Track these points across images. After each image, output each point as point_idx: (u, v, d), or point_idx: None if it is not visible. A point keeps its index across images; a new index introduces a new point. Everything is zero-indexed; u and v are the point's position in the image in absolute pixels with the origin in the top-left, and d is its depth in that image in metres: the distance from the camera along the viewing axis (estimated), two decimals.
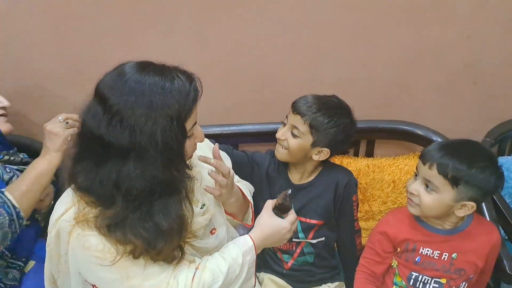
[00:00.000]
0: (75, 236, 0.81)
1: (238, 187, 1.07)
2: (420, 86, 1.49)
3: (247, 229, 1.03)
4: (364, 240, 1.28)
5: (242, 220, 1.11)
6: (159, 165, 0.77)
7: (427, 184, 1.02)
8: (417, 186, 1.04)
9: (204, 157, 0.94)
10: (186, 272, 0.85)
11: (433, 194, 1.01)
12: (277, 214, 0.98)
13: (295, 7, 1.35)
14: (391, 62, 1.45)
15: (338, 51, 1.42)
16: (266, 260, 1.29)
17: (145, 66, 0.80)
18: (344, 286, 1.27)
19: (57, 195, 1.20)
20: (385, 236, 1.13)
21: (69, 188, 0.85)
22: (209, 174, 0.94)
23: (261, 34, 1.38)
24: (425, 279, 1.10)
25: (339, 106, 1.16)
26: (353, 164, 1.45)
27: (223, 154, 1.13)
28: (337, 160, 1.46)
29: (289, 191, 0.99)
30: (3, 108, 1.22)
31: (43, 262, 1.12)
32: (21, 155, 1.25)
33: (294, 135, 1.14)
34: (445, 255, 1.08)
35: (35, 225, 1.22)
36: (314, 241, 1.23)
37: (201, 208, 0.95)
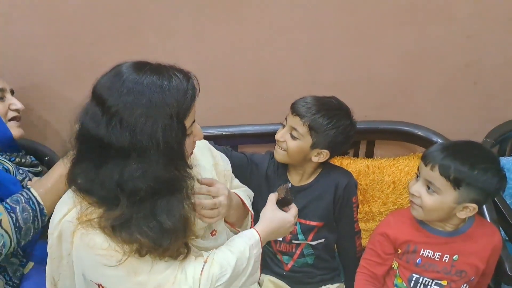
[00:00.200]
0: (79, 236, 0.80)
1: (238, 195, 1.05)
2: (420, 87, 1.48)
3: None
4: (364, 241, 1.28)
5: (240, 227, 1.09)
6: (161, 164, 0.77)
7: (429, 186, 1.01)
8: (418, 188, 1.03)
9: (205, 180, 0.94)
10: (193, 265, 0.84)
11: (434, 196, 1.01)
12: (279, 208, 0.99)
13: (294, 8, 1.34)
14: (391, 63, 1.44)
15: (338, 52, 1.41)
16: (266, 261, 1.28)
17: (141, 66, 0.79)
18: (344, 287, 1.26)
19: None
20: (385, 238, 1.12)
21: (70, 189, 0.84)
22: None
23: (261, 35, 1.37)
24: (426, 281, 1.09)
25: (339, 107, 1.15)
26: (353, 165, 1.44)
27: (223, 157, 1.12)
28: (337, 161, 1.45)
29: (289, 185, 1.01)
30: (17, 110, 1.22)
31: (42, 263, 1.10)
32: (28, 158, 1.27)
33: (293, 137, 1.13)
34: (446, 257, 1.07)
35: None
36: (313, 243, 1.22)
37: None
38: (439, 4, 1.36)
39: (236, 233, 1.01)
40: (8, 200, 1.00)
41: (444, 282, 1.08)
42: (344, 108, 1.16)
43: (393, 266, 1.13)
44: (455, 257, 1.06)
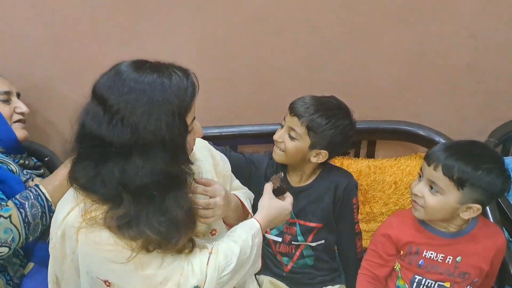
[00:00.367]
0: (84, 233, 0.80)
1: (237, 197, 1.05)
2: (422, 86, 1.47)
3: None
4: (366, 242, 1.27)
5: None
6: (166, 160, 0.78)
7: (432, 186, 0.99)
8: (421, 188, 1.02)
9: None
10: (199, 257, 0.85)
11: (437, 196, 0.99)
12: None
13: (294, 7, 1.33)
14: (392, 62, 1.42)
15: (338, 51, 1.40)
16: (265, 262, 1.26)
17: (141, 64, 0.80)
18: None
19: None
20: (388, 239, 1.10)
21: (71, 188, 0.84)
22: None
23: (259, 35, 1.36)
24: (428, 282, 1.07)
25: (338, 107, 1.13)
26: (354, 165, 1.43)
27: (222, 157, 1.11)
28: (337, 161, 1.44)
29: (282, 174, 1.03)
30: (22, 113, 1.24)
31: (42, 264, 1.12)
32: (31, 160, 1.28)
33: (291, 137, 1.11)
34: (449, 258, 1.05)
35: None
36: (313, 244, 1.20)
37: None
38: (441, 2, 1.35)
39: None
40: (17, 196, 1.01)
41: (447, 284, 1.06)
42: (343, 107, 1.14)
43: (395, 267, 1.12)
44: (458, 258, 1.05)
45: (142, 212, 0.78)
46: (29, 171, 1.23)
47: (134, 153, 0.76)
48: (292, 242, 1.21)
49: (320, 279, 1.23)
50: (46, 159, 1.37)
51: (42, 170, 1.31)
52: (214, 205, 0.92)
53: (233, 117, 1.48)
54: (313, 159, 1.13)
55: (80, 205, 0.81)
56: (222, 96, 1.45)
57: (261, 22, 1.34)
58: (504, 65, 1.45)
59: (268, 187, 1.01)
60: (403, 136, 1.45)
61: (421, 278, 1.07)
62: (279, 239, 1.22)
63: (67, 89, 1.41)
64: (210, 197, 0.93)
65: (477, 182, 0.95)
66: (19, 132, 1.22)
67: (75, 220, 0.80)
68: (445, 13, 1.36)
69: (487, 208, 1.16)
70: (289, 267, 1.23)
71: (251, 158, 1.25)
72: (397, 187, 1.42)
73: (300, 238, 1.20)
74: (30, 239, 1.02)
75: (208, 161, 1.04)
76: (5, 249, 0.96)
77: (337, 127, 1.10)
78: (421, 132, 1.41)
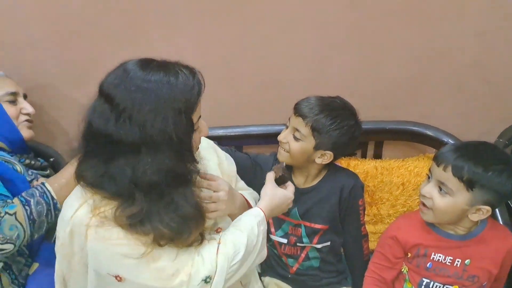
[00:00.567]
0: (94, 229, 0.80)
1: (244, 197, 1.05)
2: (429, 86, 1.45)
3: None
4: (373, 244, 1.25)
5: None
6: (173, 158, 0.78)
7: (441, 187, 0.98)
8: (430, 189, 1.00)
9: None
10: (209, 248, 0.86)
11: (447, 197, 0.97)
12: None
13: (300, 6, 1.32)
14: (399, 61, 1.41)
15: (344, 51, 1.39)
16: (271, 264, 1.26)
17: (147, 63, 0.80)
18: None
19: None
20: (395, 241, 1.09)
21: (78, 186, 0.85)
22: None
23: (265, 34, 1.36)
24: (436, 285, 1.06)
25: (343, 107, 1.12)
26: (361, 166, 1.42)
27: (228, 158, 1.11)
28: (343, 162, 1.42)
29: (284, 164, 1.05)
30: (28, 114, 1.25)
31: (47, 264, 1.14)
32: (37, 160, 1.29)
33: (296, 138, 1.11)
34: (458, 261, 1.03)
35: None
36: (319, 246, 1.19)
37: None
38: (449, 1, 1.33)
39: None
40: (23, 193, 1.02)
41: (456, 287, 1.05)
42: (348, 108, 1.13)
43: (402, 270, 1.10)
44: (467, 261, 1.03)
45: (153, 209, 0.79)
46: (35, 171, 1.23)
47: (142, 151, 0.77)
48: (297, 244, 1.20)
49: (326, 281, 1.22)
50: (52, 159, 1.38)
51: (48, 171, 1.31)
52: (217, 199, 0.93)
53: (239, 118, 1.47)
54: (318, 160, 1.12)
55: (88, 202, 0.82)
56: (227, 96, 1.45)
57: (267, 21, 1.34)
58: None
59: (271, 176, 1.02)
60: (410, 137, 1.44)
61: (429, 281, 1.06)
62: (284, 241, 1.21)
63: (73, 90, 1.41)
64: (214, 192, 0.93)
65: (487, 183, 0.94)
66: (25, 131, 1.23)
67: (84, 217, 0.81)
68: (452, 12, 1.34)
69: (497, 210, 1.15)
70: (294, 268, 1.22)
71: (256, 158, 1.24)
72: (405, 188, 1.40)
73: (305, 239, 1.19)
74: (35, 236, 1.02)
75: (213, 161, 1.04)
76: (10, 246, 0.97)
77: (342, 127, 1.09)
78: (429, 133, 1.39)
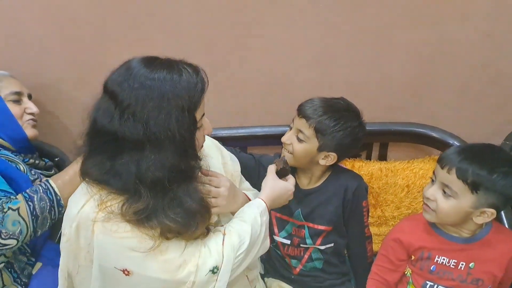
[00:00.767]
0: (101, 223, 0.81)
1: (247, 196, 1.05)
2: (435, 87, 1.45)
3: None
4: (377, 246, 1.25)
5: None
6: (177, 154, 0.79)
7: (445, 190, 0.98)
8: (434, 191, 1.00)
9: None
10: (214, 239, 0.88)
11: (451, 200, 0.97)
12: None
13: (304, 7, 1.32)
14: (405, 62, 1.41)
15: (349, 51, 1.39)
16: (274, 265, 1.27)
17: (151, 60, 0.82)
18: None
19: None
20: (399, 244, 1.09)
21: (83, 183, 0.86)
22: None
23: (270, 35, 1.36)
24: None
25: (347, 109, 1.12)
26: (365, 167, 1.42)
27: (232, 157, 1.12)
28: (348, 163, 1.43)
29: (285, 157, 1.08)
30: (32, 114, 1.27)
31: (50, 264, 1.16)
32: (42, 160, 1.31)
33: (299, 139, 1.11)
34: (462, 264, 1.03)
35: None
36: (322, 247, 1.20)
37: None
38: (456, 1, 1.32)
39: None
40: (27, 190, 1.04)
41: None
42: (352, 109, 1.13)
43: (406, 273, 1.10)
44: (471, 264, 1.03)
45: (158, 204, 0.80)
46: (38, 171, 1.25)
47: (146, 148, 0.78)
48: (301, 245, 1.20)
49: (329, 283, 1.22)
50: (57, 159, 1.40)
51: (53, 171, 1.33)
52: (217, 194, 0.94)
53: (243, 119, 1.48)
54: (322, 162, 1.13)
55: (94, 197, 0.83)
56: (232, 97, 1.45)
57: (271, 22, 1.34)
58: None
59: (272, 168, 1.04)
60: (416, 138, 1.43)
61: (432, 284, 1.06)
62: (288, 242, 1.21)
63: (78, 90, 1.43)
64: (215, 187, 0.95)
65: (492, 186, 0.93)
66: (29, 130, 1.25)
67: (90, 211, 0.82)
68: (459, 12, 1.34)
69: (502, 213, 1.14)
70: (297, 269, 1.23)
71: (260, 159, 1.25)
72: (410, 191, 1.40)
73: (308, 241, 1.19)
74: (39, 232, 1.04)
75: (217, 159, 1.05)
76: (13, 241, 0.98)
77: (346, 129, 1.09)
78: (435, 134, 1.39)
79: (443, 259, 1.04)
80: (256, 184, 1.19)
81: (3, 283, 1.10)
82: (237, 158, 1.15)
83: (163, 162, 0.78)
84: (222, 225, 0.99)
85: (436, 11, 1.33)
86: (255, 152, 1.35)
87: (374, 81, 1.44)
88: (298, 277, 1.23)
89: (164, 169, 0.79)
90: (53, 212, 1.05)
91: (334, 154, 1.12)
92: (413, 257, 1.08)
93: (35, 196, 1.02)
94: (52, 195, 1.05)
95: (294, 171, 1.20)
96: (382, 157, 1.50)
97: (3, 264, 1.08)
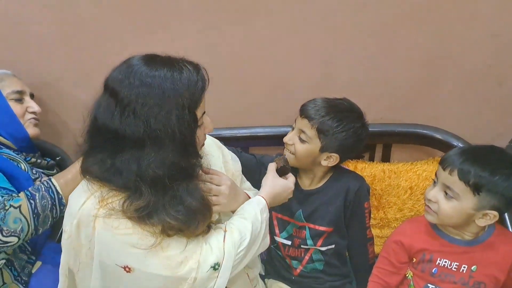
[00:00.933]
0: (102, 219, 0.82)
1: (248, 196, 1.06)
2: (440, 88, 1.45)
3: None
4: (378, 249, 1.25)
5: None
6: (177, 152, 0.80)
7: (447, 191, 0.98)
8: (436, 193, 1.01)
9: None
10: (215, 236, 0.90)
11: (452, 202, 0.98)
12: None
13: (306, 7, 1.33)
14: (409, 63, 1.41)
15: (353, 52, 1.39)
16: (275, 266, 1.28)
17: (152, 58, 0.83)
18: None
19: None
20: (400, 246, 1.09)
21: (84, 181, 0.87)
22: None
23: (272, 35, 1.37)
24: None
25: (349, 109, 1.13)
26: (368, 169, 1.42)
27: (233, 157, 1.13)
28: (351, 164, 1.43)
29: (285, 156, 1.11)
30: (34, 113, 1.29)
31: (50, 263, 1.17)
32: (44, 160, 1.32)
33: (301, 140, 1.12)
34: (464, 267, 1.03)
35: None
36: (323, 249, 1.20)
37: None
38: (461, 1, 1.32)
39: None
40: (30, 188, 1.06)
41: None
42: (355, 110, 1.14)
43: (407, 275, 1.10)
44: (473, 267, 1.03)
45: (159, 202, 0.81)
46: (40, 170, 1.26)
47: (147, 145, 0.79)
48: (301, 246, 1.21)
49: (329, 285, 1.22)
50: (58, 158, 1.41)
51: (55, 170, 1.34)
52: (217, 192, 0.95)
53: (245, 119, 1.49)
54: (324, 162, 1.13)
55: (95, 194, 0.84)
56: (234, 97, 1.46)
57: (274, 23, 1.35)
58: None
59: (272, 167, 1.06)
60: (419, 140, 1.44)
61: (434, 287, 1.06)
62: (288, 243, 1.22)
63: (80, 90, 1.44)
64: (216, 185, 0.96)
65: (494, 188, 0.93)
66: (31, 129, 1.27)
67: (91, 208, 0.83)
68: (465, 12, 1.34)
69: (506, 215, 1.14)
70: (298, 270, 1.23)
71: (261, 159, 1.26)
72: (413, 193, 1.40)
73: (309, 242, 1.20)
74: (40, 230, 1.05)
75: (218, 158, 1.06)
76: (15, 239, 0.99)
77: (348, 130, 1.10)
78: (439, 136, 1.40)
79: (445, 262, 1.05)
80: (257, 184, 1.19)
81: (3, 281, 1.11)
82: (239, 158, 1.16)
83: (164, 160, 0.79)
84: (223, 223, 1.00)
85: (441, 11, 1.34)
86: (257, 153, 1.37)
87: (378, 81, 1.44)
88: (298, 278, 1.24)
89: (164, 166, 0.80)
90: (54, 211, 1.06)
91: (336, 155, 1.12)
92: (414, 260, 1.08)
93: (37, 194, 1.04)
94: (54, 194, 1.06)
95: (295, 171, 1.21)
96: (386, 159, 1.50)
97: (3, 261, 1.10)
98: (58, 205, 1.07)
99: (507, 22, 1.36)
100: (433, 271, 1.06)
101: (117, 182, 0.82)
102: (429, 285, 1.07)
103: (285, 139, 1.16)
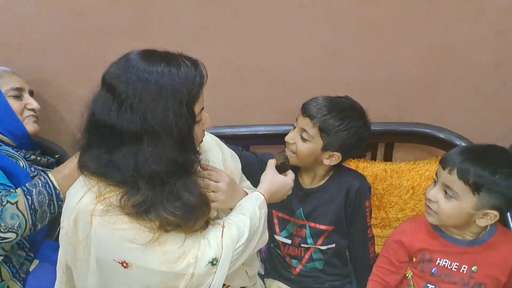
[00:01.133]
0: (99, 215, 0.83)
1: (246, 192, 1.07)
2: (443, 87, 1.45)
3: None
4: (379, 248, 1.26)
5: None
6: (174, 148, 0.81)
7: (446, 191, 1.00)
8: (435, 192, 1.02)
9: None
10: (213, 231, 0.91)
11: (452, 201, 0.99)
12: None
13: (308, 2, 1.33)
14: (412, 60, 1.41)
15: (355, 49, 1.40)
16: (275, 265, 1.29)
17: (150, 53, 0.84)
18: None
19: None
20: (400, 245, 1.11)
21: (81, 176, 0.88)
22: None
23: (273, 32, 1.37)
24: None
25: (351, 108, 1.14)
26: (369, 168, 1.43)
27: (233, 155, 1.14)
28: (352, 164, 1.44)
29: (285, 153, 1.12)
30: (33, 110, 1.30)
31: (47, 261, 1.19)
32: (44, 158, 1.33)
33: (303, 139, 1.13)
34: (464, 267, 1.04)
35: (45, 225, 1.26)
36: (323, 248, 1.21)
37: None
38: None
39: None
40: (27, 184, 1.07)
41: None
42: (357, 108, 1.15)
43: (407, 275, 1.12)
44: (474, 268, 1.04)
45: (157, 197, 0.82)
46: (39, 167, 1.28)
47: (144, 140, 0.80)
48: (301, 245, 1.22)
49: (329, 284, 1.24)
50: (57, 156, 1.42)
51: (54, 168, 1.35)
52: (215, 188, 0.96)
53: (246, 117, 1.49)
54: (326, 161, 1.15)
55: (92, 190, 0.85)
56: (234, 95, 1.47)
57: (275, 19, 1.35)
58: None
59: (271, 163, 1.07)
60: (422, 139, 1.44)
61: (433, 287, 1.07)
62: (289, 241, 1.24)
63: (80, 87, 1.44)
64: (215, 182, 0.97)
65: (494, 187, 0.94)
66: (30, 126, 1.28)
67: (89, 203, 0.84)
68: (471, 8, 1.33)
69: (508, 215, 1.15)
70: (297, 270, 1.25)
71: (263, 158, 1.27)
72: (415, 192, 1.41)
73: (309, 240, 1.21)
74: (38, 226, 1.06)
75: (217, 156, 1.08)
76: (13, 235, 1.01)
77: (350, 128, 1.11)
78: (441, 135, 1.40)
79: (445, 262, 1.06)
80: (258, 183, 1.21)
81: (1, 278, 1.12)
82: (240, 157, 1.17)
83: (161, 155, 0.80)
84: (221, 220, 1.02)
85: (446, 7, 1.33)
86: (257, 151, 1.37)
87: (381, 79, 1.44)
88: (297, 278, 1.25)
89: (162, 162, 0.81)
90: (52, 206, 1.07)
91: (338, 153, 1.14)
92: (414, 259, 1.10)
93: (34, 190, 1.05)
94: (51, 189, 1.08)
95: (297, 170, 1.22)
96: (388, 158, 1.50)
97: (1, 258, 1.12)
98: (56, 201, 1.08)
99: None
100: (433, 271, 1.07)
101: (114, 177, 0.83)
102: (428, 285, 1.08)
103: (287, 138, 1.17)
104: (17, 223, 1.01)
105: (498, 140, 1.43)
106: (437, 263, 1.06)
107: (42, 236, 1.26)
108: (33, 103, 1.30)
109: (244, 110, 1.50)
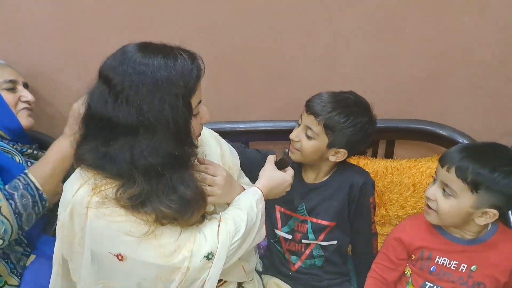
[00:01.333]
0: (95, 207, 0.84)
1: (244, 188, 1.08)
2: (446, 83, 1.45)
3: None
4: (379, 246, 1.27)
5: None
6: (170, 141, 0.83)
7: (445, 189, 1.00)
8: (434, 190, 1.03)
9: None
10: (210, 225, 0.92)
11: (450, 200, 1.00)
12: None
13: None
14: (415, 57, 1.41)
15: (357, 45, 1.40)
16: (273, 261, 1.30)
17: (146, 46, 0.85)
18: None
19: None
20: (399, 243, 1.12)
21: (78, 169, 0.90)
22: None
23: (274, 27, 1.38)
24: None
25: (357, 104, 1.14)
26: (370, 165, 1.44)
27: (232, 150, 1.15)
28: (353, 160, 1.44)
29: (287, 149, 1.13)
30: (27, 102, 1.29)
31: (43, 256, 1.20)
32: (41, 152, 1.32)
33: (308, 137, 1.13)
34: (463, 266, 1.05)
35: (42, 219, 1.25)
36: (324, 244, 1.22)
37: None
38: None
39: None
40: (6, 187, 1.06)
41: None
42: (362, 104, 1.15)
43: (406, 273, 1.13)
44: (473, 267, 1.05)
45: (153, 190, 0.84)
46: (36, 162, 1.26)
47: (140, 133, 0.81)
48: (303, 241, 1.23)
49: (327, 283, 1.25)
50: None
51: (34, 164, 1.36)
52: (212, 182, 0.97)
53: (246, 113, 1.50)
54: (332, 158, 1.15)
55: (89, 182, 0.86)
56: (234, 90, 1.48)
57: (276, 13, 1.36)
58: None
59: (271, 158, 1.08)
60: (424, 136, 1.45)
61: (432, 285, 1.08)
62: (289, 237, 1.25)
63: (76, 79, 1.45)
64: (211, 176, 0.98)
65: (493, 185, 0.95)
66: (24, 120, 1.27)
67: (85, 195, 0.85)
68: (474, 3, 1.33)
69: (510, 214, 1.15)
70: (296, 266, 1.26)
71: (266, 155, 1.26)
72: (416, 190, 1.42)
73: (311, 236, 1.22)
74: (26, 229, 1.06)
75: (215, 150, 1.09)
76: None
77: (356, 125, 1.11)
78: (443, 133, 1.40)
79: (444, 260, 1.07)
80: None
81: None
82: (244, 154, 1.18)
83: (157, 148, 0.82)
84: (218, 214, 1.03)
85: (449, 2, 1.33)
86: (258, 147, 1.38)
87: (383, 76, 1.44)
88: (295, 274, 1.26)
89: (157, 155, 0.82)
90: (36, 208, 1.06)
91: (344, 150, 1.14)
92: (413, 257, 1.11)
93: (16, 194, 1.04)
94: (33, 190, 1.06)
95: (301, 165, 1.23)
96: (389, 155, 1.51)
97: None
98: (40, 201, 1.07)
99: None
100: (431, 269, 1.08)
101: (110, 170, 0.84)
102: (427, 283, 1.09)
103: (292, 136, 1.17)
104: (3, 229, 1.00)
105: (502, 138, 1.45)
106: (436, 261, 1.07)
107: (39, 230, 1.26)
108: (27, 95, 1.29)
109: (244, 106, 1.51)
